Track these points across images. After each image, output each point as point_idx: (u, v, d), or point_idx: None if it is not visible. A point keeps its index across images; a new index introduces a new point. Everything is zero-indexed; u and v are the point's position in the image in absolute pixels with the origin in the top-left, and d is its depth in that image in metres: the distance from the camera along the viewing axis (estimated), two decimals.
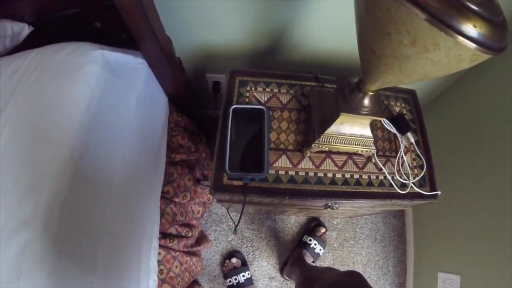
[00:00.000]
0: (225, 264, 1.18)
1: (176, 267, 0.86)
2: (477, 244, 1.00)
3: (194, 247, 0.99)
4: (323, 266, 1.25)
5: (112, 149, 0.66)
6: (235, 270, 1.16)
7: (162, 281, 0.79)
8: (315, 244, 1.21)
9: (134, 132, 0.74)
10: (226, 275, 1.17)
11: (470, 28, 0.32)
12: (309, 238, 1.21)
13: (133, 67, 0.77)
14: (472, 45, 0.32)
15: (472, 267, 1.02)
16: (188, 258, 0.93)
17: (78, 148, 0.59)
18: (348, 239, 1.30)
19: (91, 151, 0.61)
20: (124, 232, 0.67)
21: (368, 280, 1.24)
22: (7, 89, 0.67)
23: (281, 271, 1.22)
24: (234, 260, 1.18)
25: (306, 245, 1.20)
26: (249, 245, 1.23)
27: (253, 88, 0.76)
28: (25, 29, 0.80)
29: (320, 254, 1.22)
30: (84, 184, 0.59)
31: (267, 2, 0.75)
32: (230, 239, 1.22)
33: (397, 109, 0.85)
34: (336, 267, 1.26)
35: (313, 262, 1.20)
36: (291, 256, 1.20)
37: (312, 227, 1.26)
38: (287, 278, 1.20)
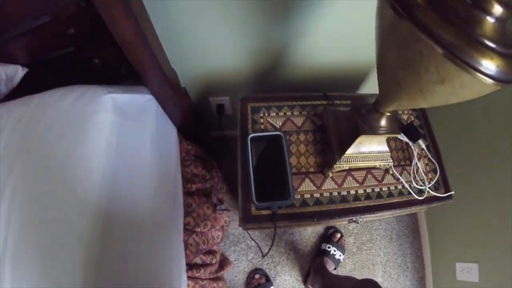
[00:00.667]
0: (248, 281, 1.18)
1: None
2: (492, 231, 1.03)
3: (218, 272, 0.99)
4: (343, 274, 1.26)
5: (134, 194, 0.66)
6: (260, 287, 1.16)
7: None
8: (334, 251, 1.22)
9: (152, 171, 0.73)
10: None
11: (492, 67, 0.34)
12: (328, 245, 1.23)
13: (142, 105, 0.77)
14: (494, 83, 0.35)
15: (489, 255, 1.05)
16: (215, 285, 0.93)
17: (103, 201, 0.58)
18: (365, 242, 1.31)
19: (116, 201, 0.61)
20: (156, 273, 0.67)
21: (389, 279, 1.27)
22: (14, 141, 0.64)
23: (305, 282, 1.22)
24: (257, 276, 1.18)
25: (326, 253, 1.21)
26: (270, 261, 1.23)
27: (266, 114, 0.77)
28: (19, 71, 0.77)
29: (341, 260, 1.23)
30: (113, 236, 0.58)
31: (262, 26, 0.76)
32: (251, 258, 1.22)
33: (405, 117, 0.87)
34: (356, 270, 1.28)
35: (334, 269, 1.21)
36: (312, 265, 1.21)
37: (329, 234, 1.27)
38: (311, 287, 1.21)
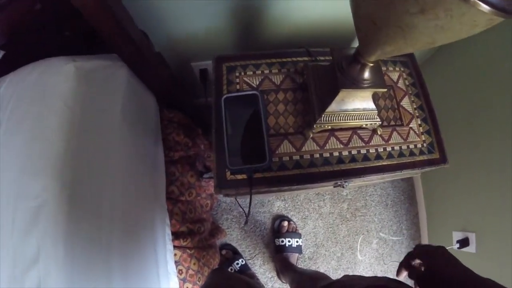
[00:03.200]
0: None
1: (194, 264, 0.86)
2: (491, 201, 0.99)
3: (208, 241, 0.98)
4: (337, 239, 1.25)
5: (106, 163, 0.63)
6: (228, 262, 1.15)
7: (183, 280, 0.79)
8: (289, 241, 1.18)
9: (125, 138, 0.70)
10: (225, 265, 1.15)
11: None
12: (281, 239, 1.18)
13: (111, 73, 0.72)
14: (489, 9, 0.28)
15: (487, 224, 1.02)
16: (204, 253, 0.92)
17: (69, 175, 0.56)
18: (359, 208, 1.29)
19: (84, 173, 0.58)
20: (135, 241, 0.66)
21: (384, 245, 1.26)
22: None
23: (278, 277, 1.20)
24: (224, 252, 1.16)
25: (282, 248, 1.18)
26: (262, 228, 1.22)
27: (242, 73, 0.72)
28: None
29: (300, 243, 1.20)
30: (85, 204, 0.57)
31: None
32: (243, 225, 1.22)
33: (397, 74, 0.80)
34: (350, 237, 1.26)
35: (300, 254, 1.20)
36: (277, 265, 1.18)
37: (277, 227, 1.23)
38: (285, 282, 1.18)
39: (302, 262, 1.21)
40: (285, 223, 1.22)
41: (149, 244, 0.70)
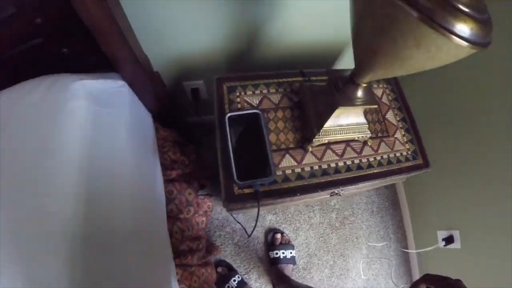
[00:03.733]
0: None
1: (195, 281, 0.86)
2: (471, 198, 1.07)
3: (206, 258, 0.98)
4: (327, 251, 1.28)
5: (114, 182, 0.64)
6: (224, 279, 1.14)
7: None
8: (283, 253, 1.20)
9: (130, 158, 0.71)
10: (222, 282, 1.15)
11: (466, 30, 0.35)
12: (275, 251, 1.20)
13: (115, 92, 0.73)
14: (469, 45, 0.36)
15: (469, 221, 1.10)
16: (203, 270, 0.92)
17: (82, 191, 0.56)
18: (347, 216, 1.35)
19: (95, 190, 0.58)
20: (143, 267, 0.66)
21: (374, 250, 1.31)
22: None
23: None
24: (219, 269, 1.16)
25: (277, 260, 1.19)
26: (255, 243, 1.24)
27: (242, 93, 0.76)
28: None
29: (294, 254, 1.22)
30: (96, 228, 0.56)
31: (234, 5, 0.74)
32: (236, 241, 1.23)
33: (380, 91, 0.88)
34: (341, 244, 1.31)
35: (294, 265, 1.22)
36: (272, 278, 1.20)
37: (270, 240, 1.25)
38: None
39: (296, 273, 1.24)
40: (278, 235, 1.24)
41: (155, 268, 0.70)
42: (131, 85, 0.76)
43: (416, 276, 1.36)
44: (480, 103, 0.99)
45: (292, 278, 1.18)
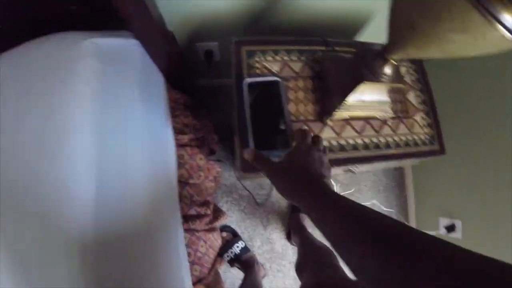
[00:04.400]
0: None
1: (202, 246, 0.87)
2: (476, 191, 1.07)
3: (212, 223, 1.00)
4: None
5: (127, 144, 0.62)
6: (228, 244, 1.17)
7: (191, 263, 0.81)
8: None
9: (143, 123, 0.69)
10: (221, 252, 1.17)
11: None
12: None
13: (127, 50, 0.70)
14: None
15: (472, 214, 1.09)
16: (210, 235, 0.94)
17: (94, 158, 0.55)
18: (353, 193, 1.35)
19: (108, 157, 0.57)
20: (154, 233, 0.66)
21: None
22: None
23: (288, 239, 1.25)
24: (224, 234, 1.18)
25: (298, 208, 1.21)
26: (261, 211, 1.26)
27: (262, 58, 0.72)
28: None
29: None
30: (110, 198, 0.56)
31: None
32: (243, 207, 1.24)
33: (404, 69, 0.84)
34: None
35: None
36: (290, 224, 1.22)
37: None
38: (295, 244, 1.23)
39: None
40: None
41: (162, 231, 0.71)
42: (143, 43, 0.72)
43: None
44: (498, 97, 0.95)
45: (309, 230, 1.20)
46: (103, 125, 0.58)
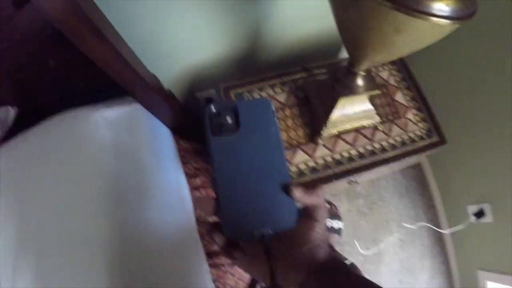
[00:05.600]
0: None
1: (230, 279, 0.90)
2: (499, 170, 1.04)
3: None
4: (359, 237, 1.28)
5: (144, 199, 0.69)
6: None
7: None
8: (330, 222, 1.21)
9: (155, 175, 0.76)
10: (253, 282, 1.16)
11: (445, 8, 0.36)
12: None
13: (132, 116, 0.79)
14: (450, 22, 0.36)
15: (500, 193, 1.06)
16: (237, 268, 0.97)
17: (118, 223, 0.62)
18: (375, 201, 1.35)
19: (129, 218, 0.64)
20: (178, 270, 0.71)
21: (405, 233, 1.29)
22: (15, 182, 0.65)
23: None
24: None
25: None
26: None
27: (250, 97, 0.79)
28: (10, 112, 0.77)
29: (341, 227, 1.24)
30: (130, 249, 0.62)
31: (230, 9, 0.76)
32: None
33: (386, 73, 0.88)
34: (372, 230, 1.31)
35: (339, 235, 1.22)
36: None
37: None
38: None
39: None
40: (327, 205, 1.26)
41: (186, 269, 0.75)
42: (145, 105, 0.81)
43: (451, 253, 1.33)
44: (494, 65, 0.96)
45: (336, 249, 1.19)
46: (121, 187, 0.66)
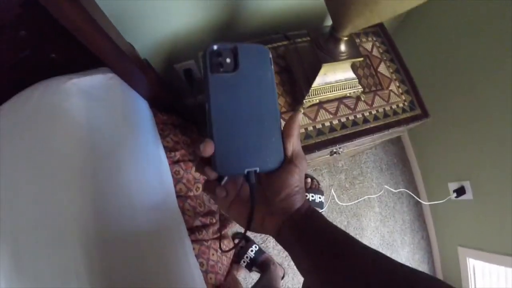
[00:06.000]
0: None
1: (213, 254, 0.90)
2: (479, 147, 1.06)
3: (221, 231, 1.03)
4: (340, 211, 1.30)
5: (121, 172, 0.66)
6: (242, 250, 1.19)
7: (205, 272, 0.83)
8: (312, 196, 1.24)
9: (132, 148, 0.73)
10: (238, 259, 1.20)
11: None
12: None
13: (106, 85, 0.75)
14: None
15: (479, 171, 1.09)
16: (225, 241, 0.97)
17: (88, 188, 0.59)
18: (356, 176, 1.36)
19: (101, 186, 0.61)
20: (156, 246, 0.69)
21: (386, 208, 1.32)
22: None
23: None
24: (236, 241, 1.20)
25: None
26: None
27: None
28: None
29: (323, 201, 1.26)
30: (107, 222, 0.60)
31: None
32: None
33: (370, 44, 0.86)
34: (353, 205, 1.33)
35: (321, 210, 1.25)
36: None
37: None
38: None
39: None
40: (308, 180, 1.28)
41: (168, 245, 0.74)
42: (121, 75, 0.77)
43: (431, 229, 1.37)
44: (479, 44, 0.96)
45: None
46: (93, 157, 0.63)
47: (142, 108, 0.89)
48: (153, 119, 0.92)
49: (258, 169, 0.31)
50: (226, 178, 0.34)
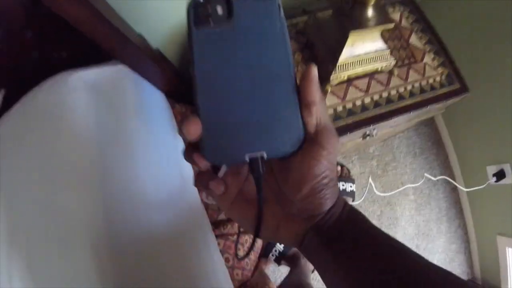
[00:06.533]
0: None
1: (239, 249, 0.86)
2: None
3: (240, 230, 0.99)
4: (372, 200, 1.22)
5: (133, 168, 0.63)
6: (271, 244, 1.14)
7: (231, 268, 0.79)
8: (342, 185, 1.17)
9: (145, 142, 0.70)
10: (266, 253, 1.15)
11: None
12: None
13: (116, 78, 0.72)
14: None
15: None
16: (247, 237, 0.92)
17: (98, 187, 0.56)
18: (389, 162, 1.27)
19: (112, 183, 0.59)
20: (174, 244, 0.66)
21: (421, 195, 1.23)
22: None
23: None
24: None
25: None
26: None
27: None
28: None
29: (354, 189, 1.18)
30: (121, 222, 0.57)
31: None
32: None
33: (398, 14, 0.78)
34: (387, 193, 1.24)
35: (353, 200, 1.18)
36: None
37: None
38: None
39: None
40: (339, 168, 1.21)
41: (190, 239, 0.70)
42: (133, 67, 0.74)
43: (469, 217, 1.27)
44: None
45: None
46: (104, 157, 0.60)
47: (157, 100, 0.86)
48: (170, 110, 0.89)
49: (266, 154, 0.22)
50: (223, 168, 0.25)
